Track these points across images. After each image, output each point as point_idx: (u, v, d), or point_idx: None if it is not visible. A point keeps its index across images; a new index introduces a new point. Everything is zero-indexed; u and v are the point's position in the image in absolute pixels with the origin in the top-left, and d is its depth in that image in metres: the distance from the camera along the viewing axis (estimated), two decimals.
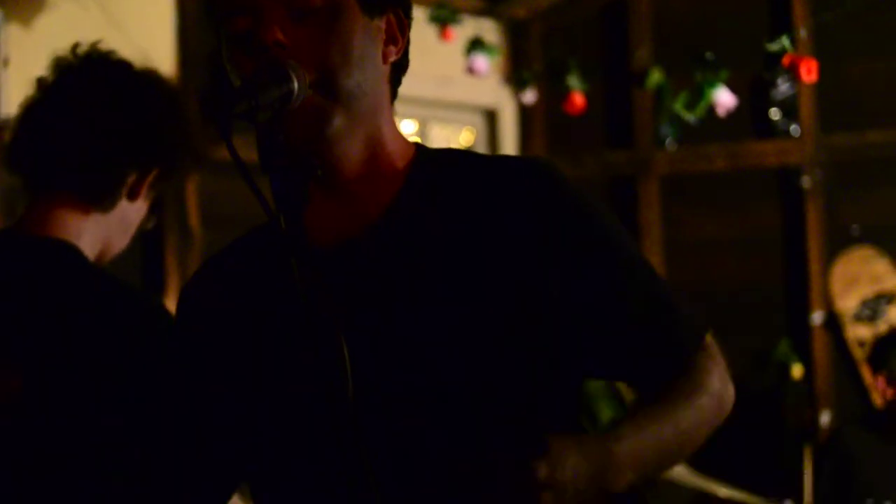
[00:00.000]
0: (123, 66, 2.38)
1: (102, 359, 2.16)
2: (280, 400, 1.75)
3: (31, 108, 2.36)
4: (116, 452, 2.12)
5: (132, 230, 2.41)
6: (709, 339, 1.86)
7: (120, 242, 2.39)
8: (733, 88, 4.31)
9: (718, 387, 1.81)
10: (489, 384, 1.70)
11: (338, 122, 1.71)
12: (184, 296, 1.96)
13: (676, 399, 1.77)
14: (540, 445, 1.56)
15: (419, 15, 5.67)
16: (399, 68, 1.83)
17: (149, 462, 1.93)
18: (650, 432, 1.71)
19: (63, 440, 2.18)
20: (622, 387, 5.33)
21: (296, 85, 1.63)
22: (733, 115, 4.38)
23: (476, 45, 5.71)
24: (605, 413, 5.71)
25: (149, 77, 2.39)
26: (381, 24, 1.77)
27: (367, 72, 1.73)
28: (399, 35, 1.80)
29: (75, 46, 2.37)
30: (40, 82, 2.36)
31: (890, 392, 4.84)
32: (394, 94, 1.84)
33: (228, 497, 1.93)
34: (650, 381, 1.83)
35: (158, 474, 1.91)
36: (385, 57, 1.78)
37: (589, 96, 5.63)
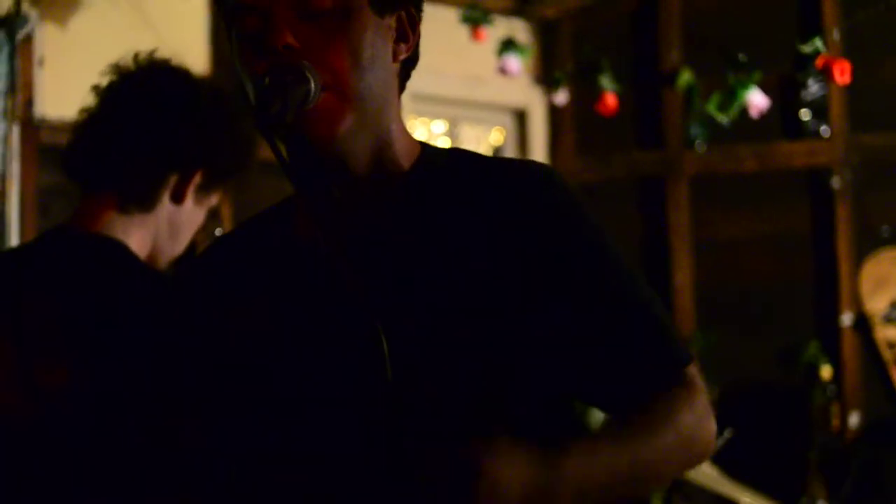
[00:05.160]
0: (173, 72, 2.42)
1: (143, 351, 2.20)
2: (305, 375, 1.76)
3: (87, 115, 2.42)
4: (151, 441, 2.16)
5: (183, 235, 2.45)
6: (692, 371, 1.76)
7: (170, 247, 2.44)
8: (763, 89, 4.31)
9: (690, 424, 1.72)
10: (483, 373, 1.70)
11: (348, 123, 1.71)
12: (192, 270, 1.98)
13: (639, 429, 1.68)
14: (490, 441, 1.52)
15: (451, 15, 5.71)
16: (409, 64, 1.83)
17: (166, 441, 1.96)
18: (603, 456, 1.64)
19: (101, 431, 2.22)
20: None
21: (312, 85, 1.65)
22: (763, 116, 4.38)
23: (508, 45, 5.71)
24: None
25: (197, 83, 2.43)
26: (391, 21, 1.77)
27: (377, 72, 1.73)
28: (410, 32, 1.80)
29: (136, 55, 2.42)
30: (95, 89, 2.42)
31: None
32: (402, 89, 1.84)
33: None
34: (614, 406, 1.78)
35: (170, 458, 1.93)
36: (395, 55, 1.79)
37: (619, 97, 5.63)
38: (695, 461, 1.77)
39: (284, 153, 1.60)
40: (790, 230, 6.17)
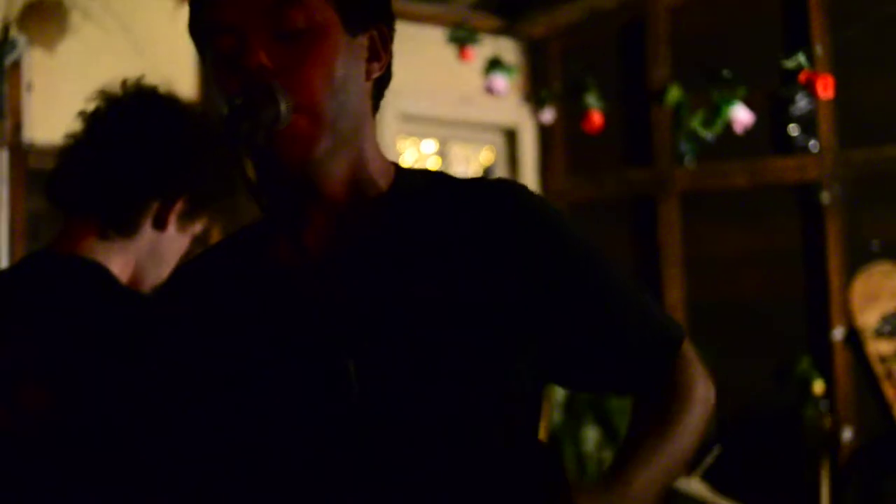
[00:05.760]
0: (159, 99, 2.42)
1: (125, 374, 2.20)
2: (268, 408, 1.74)
3: (73, 140, 2.42)
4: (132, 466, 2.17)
5: (166, 262, 2.44)
6: (686, 345, 1.95)
7: (153, 273, 2.43)
8: (751, 105, 4.32)
9: (704, 393, 1.91)
10: (476, 401, 1.69)
11: (321, 144, 1.70)
12: (160, 300, 1.98)
13: (673, 426, 1.86)
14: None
15: (438, 35, 5.73)
16: (382, 83, 1.83)
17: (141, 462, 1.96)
18: (657, 468, 1.80)
19: (84, 454, 2.22)
20: None
21: (283, 106, 1.64)
22: (752, 131, 4.39)
23: (495, 64, 5.74)
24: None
25: (184, 110, 2.43)
26: (364, 41, 1.76)
27: (350, 92, 1.72)
28: (382, 51, 1.80)
29: (124, 81, 2.42)
30: (81, 115, 2.42)
31: None
32: (375, 108, 1.83)
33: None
34: (634, 389, 1.92)
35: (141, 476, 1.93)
36: (368, 74, 1.78)
37: (607, 115, 5.65)
38: (706, 421, 1.92)
39: (252, 174, 1.60)
40: (781, 245, 6.18)
